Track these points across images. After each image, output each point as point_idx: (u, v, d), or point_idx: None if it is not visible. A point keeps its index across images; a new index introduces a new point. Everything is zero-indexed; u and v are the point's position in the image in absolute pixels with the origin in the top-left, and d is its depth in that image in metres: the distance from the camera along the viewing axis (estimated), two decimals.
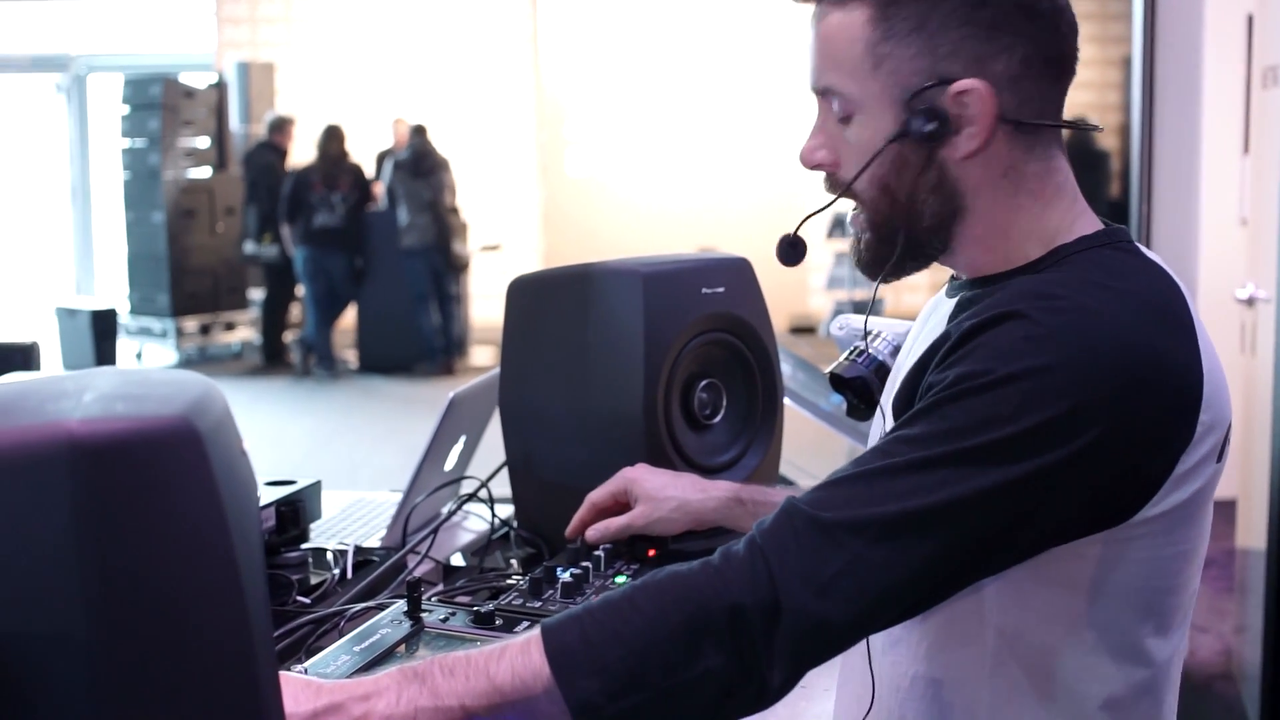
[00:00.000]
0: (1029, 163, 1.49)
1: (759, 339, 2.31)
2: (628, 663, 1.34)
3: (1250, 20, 5.74)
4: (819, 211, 1.61)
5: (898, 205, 1.50)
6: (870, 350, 2.15)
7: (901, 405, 1.48)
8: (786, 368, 2.89)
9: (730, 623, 1.34)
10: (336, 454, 9.38)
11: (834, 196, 1.56)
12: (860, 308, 11.79)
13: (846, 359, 2.17)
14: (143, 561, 0.96)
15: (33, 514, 0.94)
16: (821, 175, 1.57)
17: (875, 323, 2.20)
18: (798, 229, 1.61)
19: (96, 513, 0.94)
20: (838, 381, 2.16)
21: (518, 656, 1.36)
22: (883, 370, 2.14)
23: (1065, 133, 1.54)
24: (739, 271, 2.30)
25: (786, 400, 2.82)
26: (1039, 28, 1.45)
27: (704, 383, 2.25)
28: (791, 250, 1.61)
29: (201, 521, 0.99)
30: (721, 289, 2.25)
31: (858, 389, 2.15)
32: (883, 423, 1.62)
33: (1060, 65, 1.48)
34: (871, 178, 1.49)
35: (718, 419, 2.28)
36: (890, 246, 1.52)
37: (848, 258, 12.91)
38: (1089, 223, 1.51)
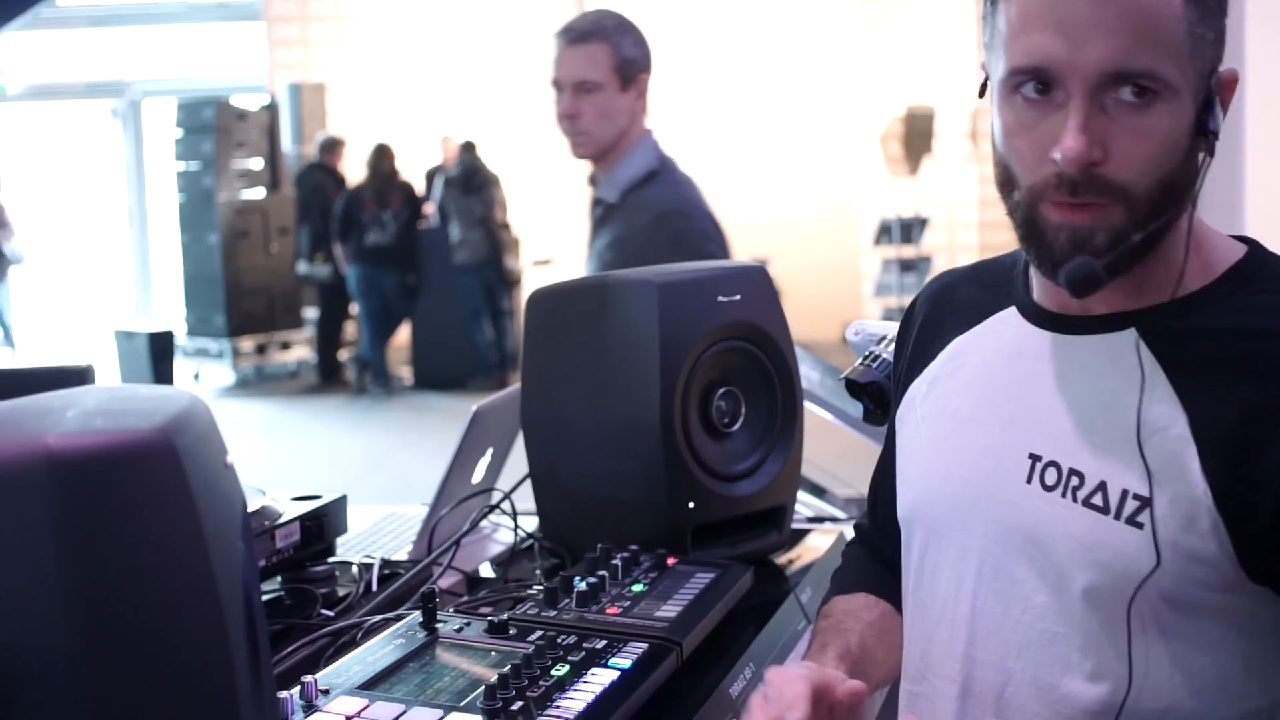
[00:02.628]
0: None
1: (776, 345, 2.31)
2: None
3: None
4: (1100, 212, 1.37)
5: (1172, 204, 1.37)
6: (884, 355, 2.16)
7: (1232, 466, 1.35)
8: (815, 374, 2.90)
9: None
10: (391, 471, 9.42)
11: (1119, 205, 1.37)
12: None
13: (861, 364, 2.18)
14: (121, 574, 0.98)
15: (12, 528, 0.96)
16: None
17: (889, 327, 2.21)
18: (1108, 261, 1.37)
19: (75, 526, 0.97)
20: (853, 387, 2.17)
21: None
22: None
23: None
24: (755, 279, 2.31)
25: (815, 407, 2.82)
26: None
27: (722, 390, 2.26)
28: (1095, 280, 1.37)
29: (178, 535, 1.01)
30: (738, 296, 2.26)
31: (873, 394, 2.16)
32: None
33: None
34: (1165, 173, 1.35)
35: (737, 427, 2.29)
36: (1145, 246, 1.38)
37: (893, 264, 12.90)
38: (1220, 234, 1.48)
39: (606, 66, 3.27)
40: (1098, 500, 1.40)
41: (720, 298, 2.24)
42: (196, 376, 13.50)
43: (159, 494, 1.00)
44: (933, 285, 1.78)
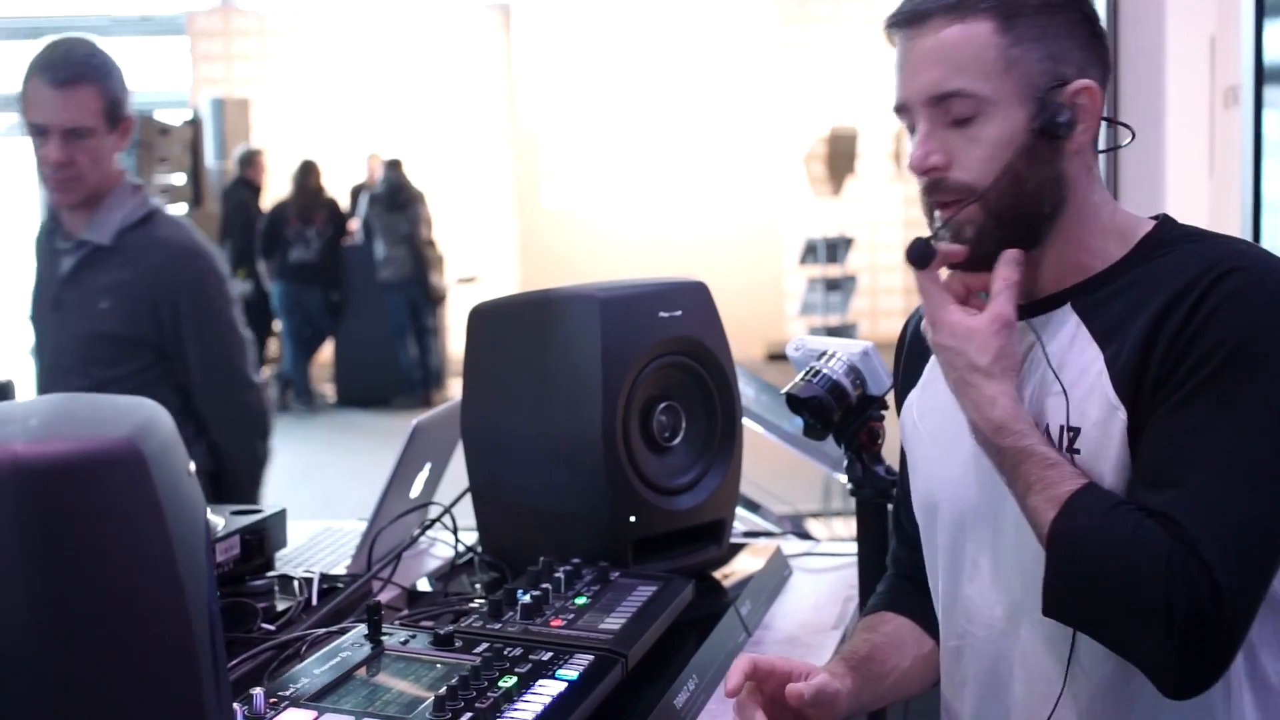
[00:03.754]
0: (1096, 163, 1.69)
1: (717, 361, 2.33)
2: None
3: (1212, 42, 5.80)
4: (963, 209, 1.66)
5: (1025, 195, 1.64)
6: (825, 371, 2.18)
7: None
8: (750, 391, 2.92)
9: None
10: (315, 488, 9.36)
11: (961, 198, 1.65)
12: (835, 333, 11.77)
13: (802, 380, 2.20)
14: (88, 581, 0.98)
15: None
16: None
17: (829, 343, 2.23)
18: (935, 233, 1.68)
19: (42, 534, 0.97)
20: (794, 402, 2.19)
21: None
22: (838, 390, 2.17)
23: None
24: (696, 295, 2.33)
25: (751, 423, 2.85)
26: (1104, 43, 1.68)
27: (663, 405, 2.28)
28: (924, 255, 1.67)
29: (146, 541, 1.01)
30: (679, 312, 2.28)
31: (814, 409, 2.18)
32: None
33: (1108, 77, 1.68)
34: (1006, 168, 1.63)
35: (677, 441, 2.31)
36: (1014, 232, 1.65)
37: (819, 283, 12.97)
38: (1135, 216, 1.71)
39: (96, 110, 3.13)
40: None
41: (662, 313, 2.26)
42: None
43: (128, 501, 1.00)
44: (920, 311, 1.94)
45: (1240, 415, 1.50)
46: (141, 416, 1.06)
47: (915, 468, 1.89)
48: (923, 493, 1.87)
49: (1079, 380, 1.62)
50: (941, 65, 1.62)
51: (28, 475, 0.96)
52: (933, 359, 1.83)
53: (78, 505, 0.98)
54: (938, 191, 1.67)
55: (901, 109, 1.69)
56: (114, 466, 1.00)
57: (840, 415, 2.19)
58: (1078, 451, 1.60)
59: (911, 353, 1.94)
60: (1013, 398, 1.61)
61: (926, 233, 1.70)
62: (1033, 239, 1.66)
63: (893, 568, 2.04)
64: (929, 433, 1.86)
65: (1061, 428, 1.62)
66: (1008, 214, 1.64)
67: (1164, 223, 1.69)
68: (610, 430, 2.18)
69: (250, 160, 12.98)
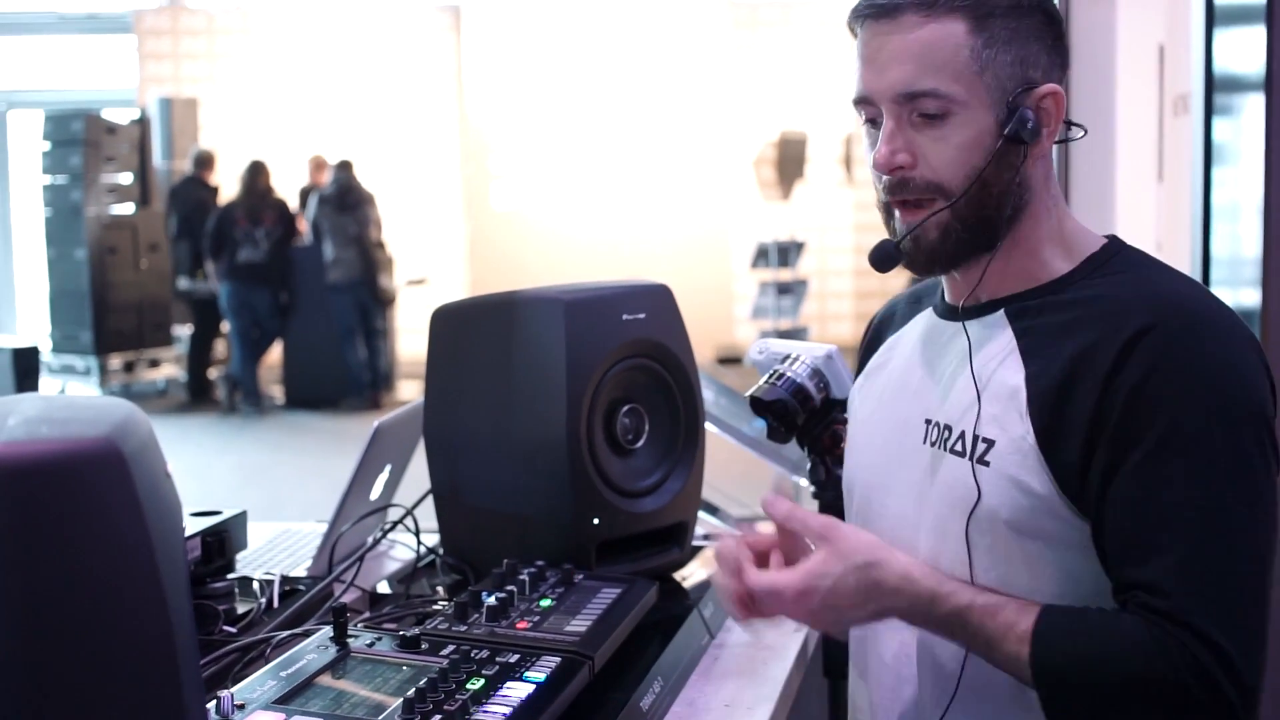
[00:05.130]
0: (1053, 166, 1.70)
1: (680, 364, 2.34)
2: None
3: (1161, 50, 5.86)
4: (933, 215, 1.64)
5: (990, 198, 1.63)
6: (789, 374, 2.19)
7: (1050, 418, 1.58)
8: (709, 394, 2.92)
9: None
10: (263, 489, 9.31)
11: (939, 200, 1.63)
12: (787, 337, 11.84)
13: (766, 383, 2.21)
14: (68, 580, 0.98)
15: None
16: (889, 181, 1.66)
17: (793, 346, 2.24)
18: (903, 238, 1.66)
19: (22, 533, 0.96)
20: (758, 405, 2.20)
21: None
22: (801, 393, 2.19)
23: None
24: (659, 297, 2.33)
25: (710, 426, 2.85)
26: (1066, 46, 1.67)
27: (626, 408, 2.28)
28: (890, 259, 1.67)
29: (127, 541, 1.00)
30: (642, 315, 2.28)
31: (778, 412, 2.19)
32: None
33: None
34: (972, 171, 1.62)
35: (640, 444, 2.31)
36: (977, 236, 1.64)
37: (770, 286, 13.02)
38: (1087, 230, 1.72)
39: None
40: (958, 447, 1.66)
41: (625, 316, 2.26)
42: (63, 393, 13.24)
43: (108, 501, 0.99)
44: (882, 309, 2.00)
45: (1201, 470, 1.50)
46: (120, 416, 1.05)
47: (848, 449, 1.93)
48: (846, 471, 1.91)
49: (998, 393, 1.62)
50: (913, 63, 1.60)
51: (7, 475, 0.96)
52: (882, 347, 1.89)
53: (57, 504, 0.97)
54: (902, 190, 1.65)
55: (863, 101, 1.66)
56: (93, 466, 0.99)
57: (804, 418, 2.20)
58: (987, 463, 1.60)
59: (871, 343, 1.96)
60: (907, 571, 1.58)
61: (877, 238, 1.70)
62: (991, 242, 1.65)
63: None
64: (861, 419, 1.89)
65: (976, 437, 1.62)
66: (972, 218, 1.63)
67: (1111, 243, 1.70)
68: (574, 432, 2.18)
69: (205, 161, 12.91)
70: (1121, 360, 1.52)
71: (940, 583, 1.57)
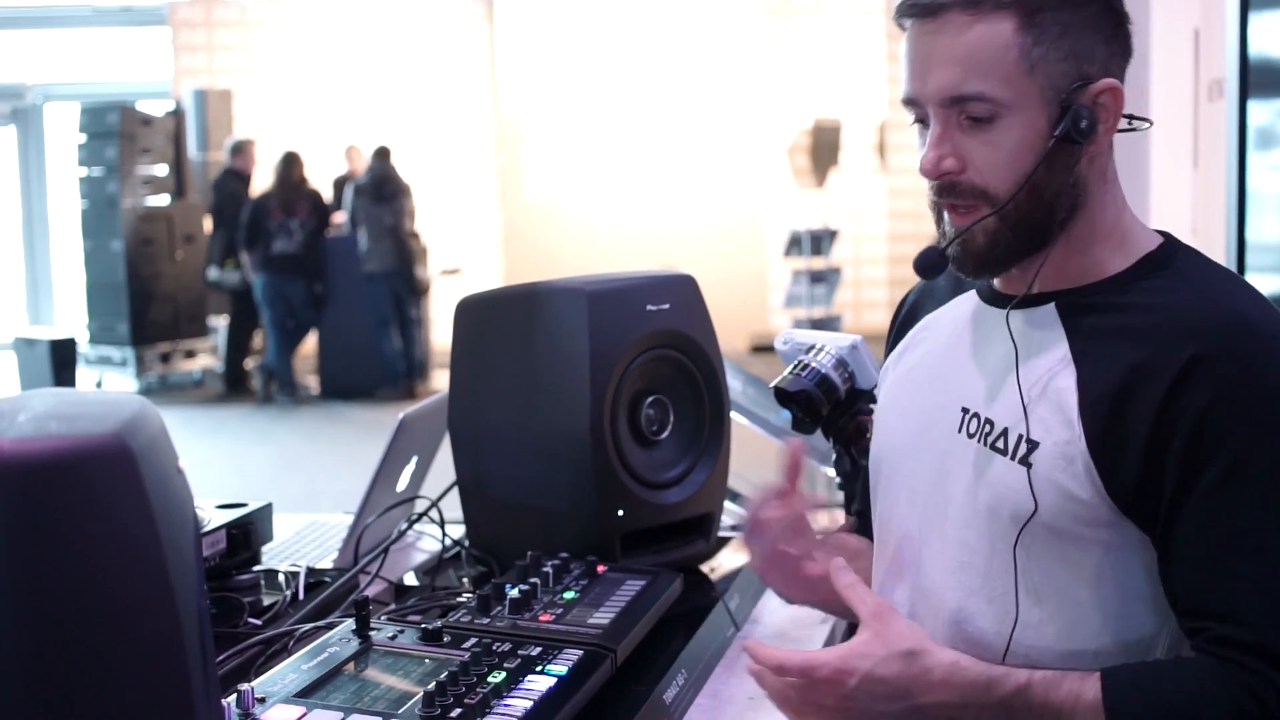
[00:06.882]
0: (1112, 161, 1.63)
1: (705, 354, 2.33)
2: None
3: (1196, 35, 5.82)
4: (983, 219, 1.58)
5: (1042, 202, 1.57)
6: (813, 364, 2.18)
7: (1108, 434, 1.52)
8: (736, 384, 2.91)
9: None
10: (298, 480, 9.34)
11: (986, 206, 1.58)
12: (820, 325, 11.78)
13: (790, 373, 2.20)
14: (76, 577, 0.97)
15: None
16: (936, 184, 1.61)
17: (818, 336, 2.23)
18: (950, 244, 1.61)
19: (30, 529, 0.96)
20: (782, 396, 2.19)
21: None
22: (826, 383, 2.17)
23: None
24: (684, 288, 2.32)
25: (738, 416, 2.84)
26: (1128, 33, 1.60)
27: (651, 399, 2.27)
28: (935, 266, 1.63)
29: (135, 537, 1.00)
30: (667, 305, 2.27)
31: (802, 403, 2.18)
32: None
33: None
34: (1021, 176, 1.56)
35: (665, 435, 2.30)
36: (1026, 240, 1.59)
37: (803, 275, 12.98)
38: (1143, 226, 1.66)
39: None
40: (1000, 444, 1.60)
41: (649, 306, 2.25)
42: (99, 385, 13.31)
43: (116, 497, 0.99)
44: (920, 284, 1.94)
45: (1275, 498, 1.46)
46: (129, 412, 1.05)
47: (875, 429, 1.88)
48: (872, 453, 1.86)
49: (1046, 393, 1.57)
50: (959, 65, 1.54)
51: (15, 472, 0.96)
52: (919, 324, 1.84)
53: (66, 501, 0.97)
54: (951, 194, 1.59)
55: (912, 102, 1.61)
56: (102, 462, 0.99)
57: (829, 409, 2.19)
58: (1030, 464, 1.55)
59: (907, 316, 1.91)
60: (956, 660, 1.55)
61: (911, 226, 1.67)
62: (1042, 244, 1.59)
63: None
64: (891, 398, 1.84)
65: (1020, 437, 1.57)
66: (1024, 222, 1.57)
67: (1169, 243, 1.64)
68: (598, 424, 2.17)
69: (240, 150, 12.95)
70: (1183, 380, 1.47)
71: (989, 667, 1.54)
